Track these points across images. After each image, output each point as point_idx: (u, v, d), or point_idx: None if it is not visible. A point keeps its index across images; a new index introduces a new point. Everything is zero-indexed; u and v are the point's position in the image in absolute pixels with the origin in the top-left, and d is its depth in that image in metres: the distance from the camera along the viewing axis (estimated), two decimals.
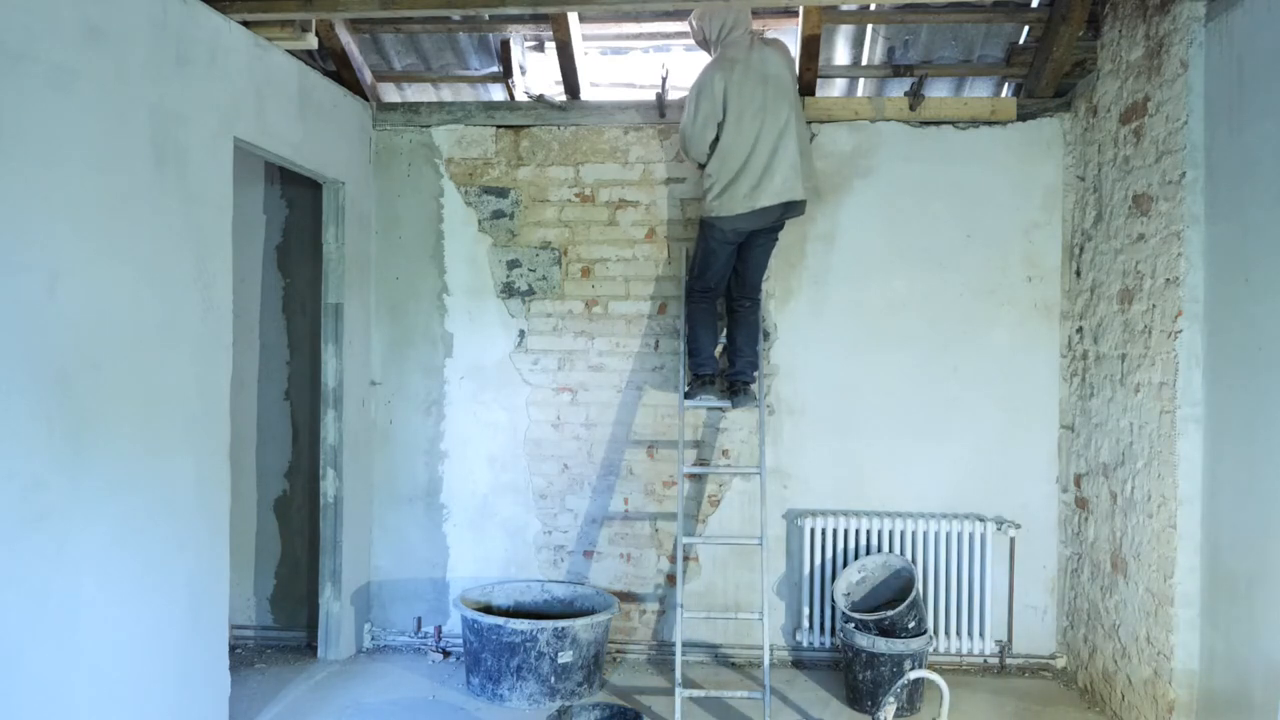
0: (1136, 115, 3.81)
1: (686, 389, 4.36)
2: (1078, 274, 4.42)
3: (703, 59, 4.23)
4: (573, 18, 4.34)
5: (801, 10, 4.12)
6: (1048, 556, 4.55)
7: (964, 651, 4.44)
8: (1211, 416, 3.40)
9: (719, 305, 4.45)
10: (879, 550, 4.45)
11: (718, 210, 4.03)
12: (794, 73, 4.13)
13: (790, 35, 4.47)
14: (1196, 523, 3.44)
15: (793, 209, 4.10)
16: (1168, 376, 3.54)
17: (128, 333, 2.98)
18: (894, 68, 4.60)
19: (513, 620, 4.01)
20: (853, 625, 4.06)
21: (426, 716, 3.90)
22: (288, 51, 3.97)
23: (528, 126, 4.73)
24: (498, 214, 4.76)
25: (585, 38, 4.59)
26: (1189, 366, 3.45)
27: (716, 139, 4.03)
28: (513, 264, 4.75)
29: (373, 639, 4.76)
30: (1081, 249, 4.38)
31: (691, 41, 4.43)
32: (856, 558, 4.45)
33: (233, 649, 3.75)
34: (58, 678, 2.70)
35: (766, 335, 4.61)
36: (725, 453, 4.66)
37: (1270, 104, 3.05)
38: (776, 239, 4.28)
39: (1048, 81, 4.38)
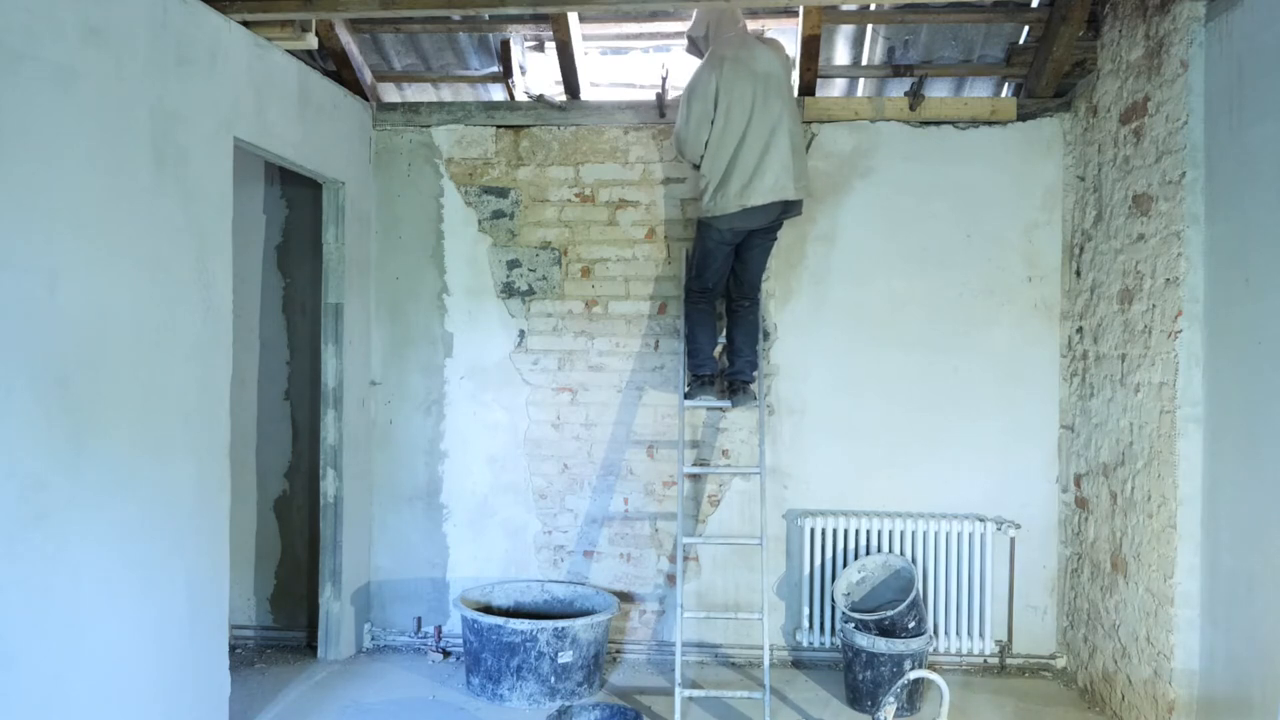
0: (1136, 115, 3.81)
1: (686, 389, 4.36)
2: (1078, 274, 4.42)
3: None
4: (573, 18, 4.34)
5: (801, 10, 4.12)
6: (1048, 556, 4.55)
7: (964, 651, 4.44)
8: (1211, 416, 3.40)
9: (718, 305, 4.45)
10: (879, 550, 4.45)
11: (713, 211, 4.02)
12: (789, 72, 4.11)
13: (790, 35, 4.47)
14: (1196, 523, 3.44)
15: (789, 209, 4.08)
16: (1168, 376, 3.54)
17: (128, 333, 2.98)
18: (894, 68, 4.60)
19: (513, 620, 4.02)
20: (853, 625, 4.06)
21: (426, 716, 3.90)
22: (288, 51, 3.97)
23: (528, 126, 4.73)
24: (498, 214, 4.76)
25: (585, 38, 4.59)
26: (1189, 366, 3.45)
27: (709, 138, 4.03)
28: (513, 264, 4.75)
29: (373, 639, 4.76)
30: (1081, 249, 4.38)
31: None
32: (856, 558, 4.45)
33: (233, 649, 3.75)
34: (57, 677, 2.70)
35: (766, 335, 4.61)
36: (725, 453, 4.66)
37: (1270, 104, 3.05)
38: (775, 239, 4.27)
39: (1048, 81, 4.38)
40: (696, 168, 4.17)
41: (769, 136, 3.93)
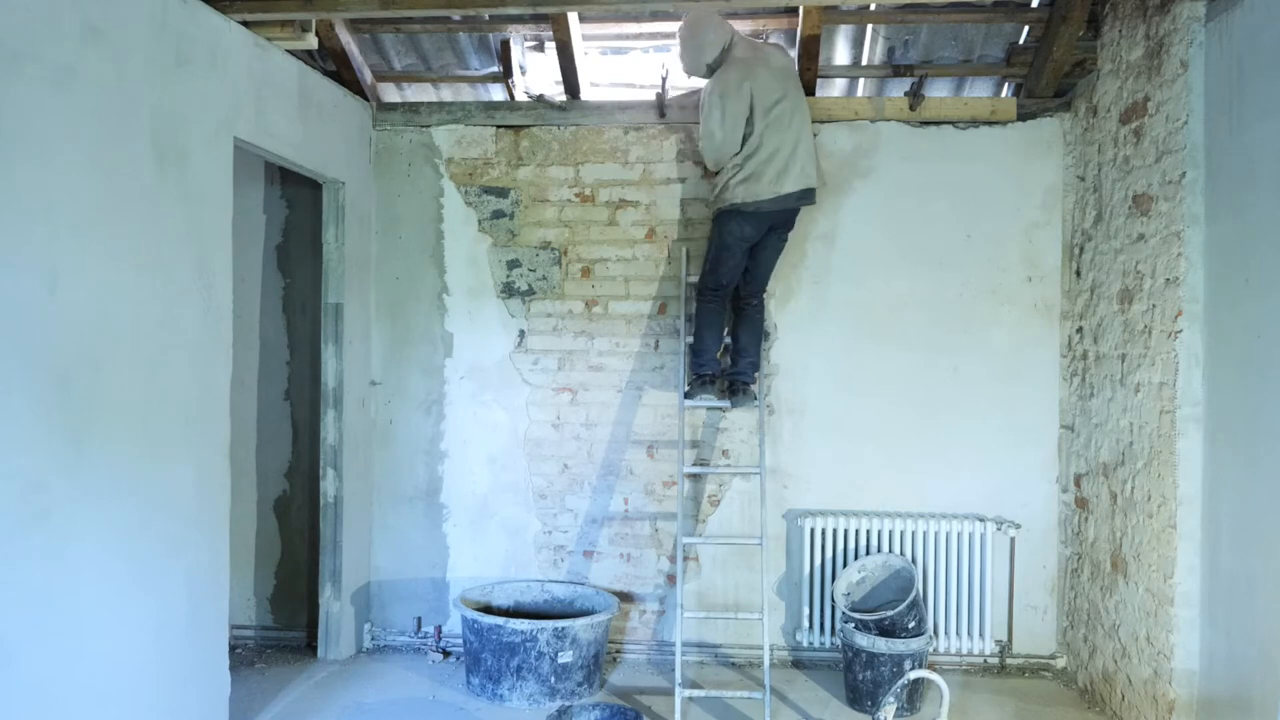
0: (1136, 115, 3.81)
1: (687, 388, 4.36)
2: (1078, 274, 4.42)
3: None
4: (573, 18, 4.34)
5: (801, 10, 4.12)
6: (1048, 556, 4.55)
7: (964, 651, 4.44)
8: (1211, 416, 3.40)
9: (728, 304, 4.43)
10: (879, 550, 4.45)
11: (742, 195, 4.03)
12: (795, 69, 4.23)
13: (790, 35, 4.48)
14: (1196, 523, 3.44)
15: (806, 197, 4.14)
16: (1168, 376, 3.54)
17: (128, 333, 2.98)
18: (894, 68, 4.60)
19: (513, 620, 4.02)
20: (853, 625, 4.06)
21: (426, 716, 3.90)
22: (288, 51, 3.97)
23: (528, 126, 4.73)
24: (498, 214, 4.76)
25: (585, 38, 4.59)
26: (1189, 366, 3.45)
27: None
28: (513, 264, 4.75)
29: (373, 639, 4.76)
30: (1081, 249, 4.38)
31: None
32: (856, 558, 4.45)
33: (233, 649, 3.75)
34: (57, 677, 2.70)
35: (766, 335, 4.61)
36: (725, 453, 4.66)
37: (1270, 104, 3.05)
38: (787, 239, 4.29)
39: (1048, 81, 4.38)
40: (715, 172, 4.21)
41: (799, 128, 4.09)
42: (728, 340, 4.48)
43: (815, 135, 4.58)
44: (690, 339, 4.42)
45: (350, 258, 4.55)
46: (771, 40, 4.47)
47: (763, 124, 4.02)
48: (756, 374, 4.39)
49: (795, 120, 4.08)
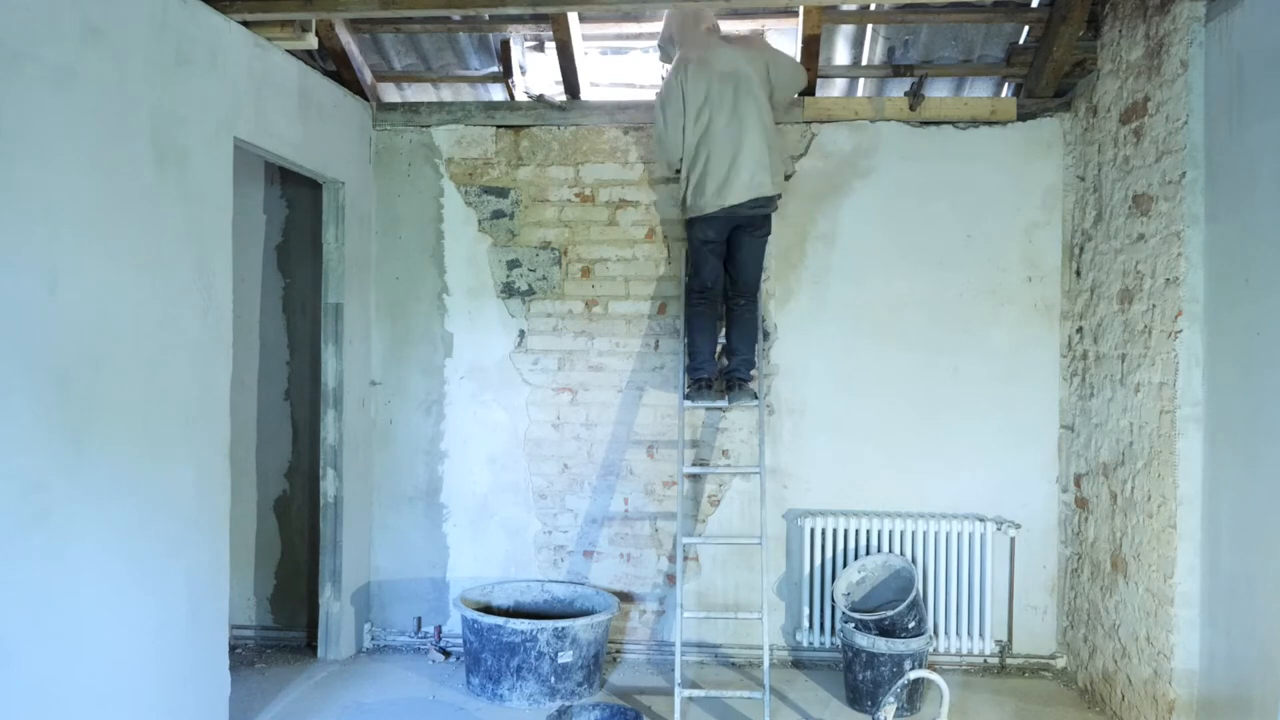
0: (1136, 115, 3.81)
1: (686, 391, 4.36)
2: (1078, 274, 4.42)
3: None
4: (573, 18, 4.34)
5: (801, 10, 4.12)
6: (1048, 556, 4.55)
7: (964, 651, 4.44)
8: (1211, 416, 3.40)
9: (718, 306, 4.44)
10: (879, 550, 4.45)
11: (693, 210, 4.11)
12: (765, 67, 4.07)
13: (790, 35, 4.48)
14: (1196, 523, 3.44)
15: (761, 205, 4.08)
16: (1168, 376, 3.54)
17: (128, 333, 2.98)
18: (894, 68, 4.60)
19: (513, 620, 4.02)
20: (853, 625, 4.06)
21: (426, 716, 3.91)
22: (288, 51, 3.97)
23: (528, 126, 4.73)
24: (498, 214, 4.76)
25: (585, 38, 4.59)
26: (1189, 366, 3.45)
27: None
28: (513, 264, 4.75)
29: (373, 639, 4.76)
30: (1081, 249, 4.38)
31: None
32: (856, 558, 4.45)
33: (233, 649, 3.75)
34: (57, 677, 2.70)
35: (766, 335, 4.61)
36: (725, 453, 4.66)
37: (1270, 104, 3.05)
38: (766, 236, 4.25)
39: (1048, 81, 4.38)
40: (678, 172, 4.20)
41: (740, 134, 3.98)
42: (724, 341, 4.49)
43: (815, 135, 4.59)
44: (684, 343, 4.42)
45: (350, 258, 4.55)
46: (756, 31, 4.44)
47: (694, 131, 4.00)
48: (752, 371, 4.38)
49: (732, 129, 3.95)
